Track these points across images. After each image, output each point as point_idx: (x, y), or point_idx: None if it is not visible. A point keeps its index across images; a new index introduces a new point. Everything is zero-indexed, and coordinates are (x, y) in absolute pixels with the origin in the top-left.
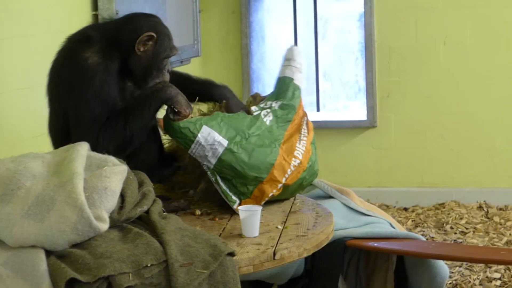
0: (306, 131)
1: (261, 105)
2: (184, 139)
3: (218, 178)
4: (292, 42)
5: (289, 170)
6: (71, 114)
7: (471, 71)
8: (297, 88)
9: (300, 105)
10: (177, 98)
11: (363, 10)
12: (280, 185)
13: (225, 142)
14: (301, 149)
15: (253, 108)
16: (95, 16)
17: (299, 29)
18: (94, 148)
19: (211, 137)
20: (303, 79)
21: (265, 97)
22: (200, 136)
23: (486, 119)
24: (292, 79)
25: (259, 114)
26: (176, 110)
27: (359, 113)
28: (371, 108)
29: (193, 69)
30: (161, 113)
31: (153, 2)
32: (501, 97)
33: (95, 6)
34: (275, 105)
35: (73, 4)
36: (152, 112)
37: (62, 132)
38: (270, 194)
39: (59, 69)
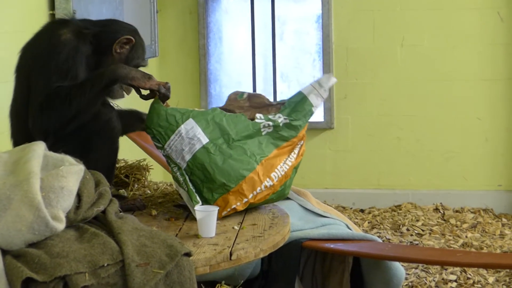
0: (295, 155)
1: (270, 116)
2: (166, 129)
3: (187, 178)
4: (250, 43)
5: (259, 188)
6: (32, 82)
7: (428, 73)
8: (310, 114)
9: (303, 129)
10: (130, 75)
11: (320, 11)
12: (245, 200)
13: (205, 140)
14: (279, 172)
15: (258, 115)
16: (52, 16)
17: (256, 30)
18: (39, 114)
19: (193, 131)
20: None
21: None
22: (183, 127)
23: (442, 121)
24: (312, 106)
25: (259, 124)
26: (136, 86)
27: (316, 114)
28: (328, 110)
29: (150, 69)
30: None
31: (110, 2)
32: (457, 99)
33: (52, 5)
34: (282, 120)
35: (30, 3)
36: (95, 91)
37: (23, 108)
38: (233, 206)
39: (32, 44)
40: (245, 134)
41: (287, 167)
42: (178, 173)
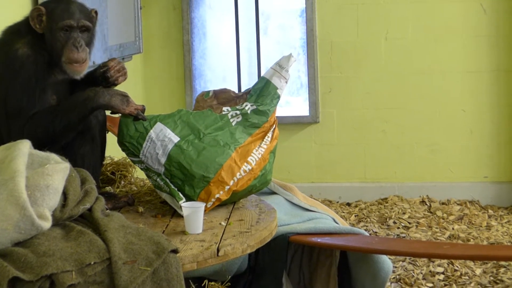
0: (269, 139)
1: (237, 106)
2: (137, 138)
3: (168, 181)
4: (234, 38)
5: (238, 174)
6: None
7: (412, 66)
8: (277, 97)
9: (273, 113)
10: (111, 103)
11: (304, 5)
12: (227, 187)
13: (176, 139)
14: (256, 156)
15: (225, 108)
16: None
17: (240, 25)
18: (20, 138)
19: (163, 133)
20: (285, 89)
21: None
22: (152, 132)
23: (427, 114)
24: (276, 88)
25: (226, 115)
26: (116, 112)
27: (302, 108)
28: (313, 104)
29: (134, 65)
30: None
31: None
32: (441, 92)
33: (35, 3)
34: (250, 107)
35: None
36: (80, 118)
37: None
38: (217, 196)
39: None
40: (215, 126)
41: (263, 150)
42: (158, 179)
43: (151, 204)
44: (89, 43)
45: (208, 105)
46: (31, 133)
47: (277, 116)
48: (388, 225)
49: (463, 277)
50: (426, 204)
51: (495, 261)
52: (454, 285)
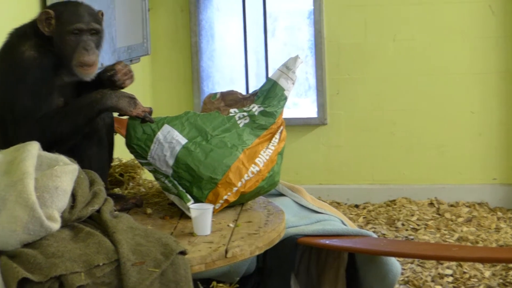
0: (277, 140)
1: (245, 108)
2: (144, 140)
3: (176, 183)
4: (242, 40)
5: (246, 175)
6: (6, 107)
7: (420, 68)
8: (284, 99)
9: (280, 115)
10: (118, 106)
11: (312, 7)
12: (235, 188)
13: (183, 141)
14: (264, 157)
15: (232, 110)
16: (43, 2)
17: (248, 27)
18: (27, 141)
19: (170, 135)
20: (292, 90)
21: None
22: (160, 134)
23: (435, 115)
24: (283, 90)
25: (234, 116)
26: (123, 114)
27: (310, 110)
28: (321, 106)
29: (142, 67)
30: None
31: (101, 1)
32: (450, 93)
33: (43, 4)
34: (257, 109)
35: (21, 2)
36: (87, 120)
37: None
38: (225, 197)
39: None
40: (222, 128)
41: (271, 151)
42: (166, 181)
43: (159, 206)
44: (98, 45)
45: (216, 107)
46: (38, 135)
47: (285, 118)
48: (396, 227)
49: (472, 279)
50: (434, 206)
51: (504, 264)
52: (463, 287)
